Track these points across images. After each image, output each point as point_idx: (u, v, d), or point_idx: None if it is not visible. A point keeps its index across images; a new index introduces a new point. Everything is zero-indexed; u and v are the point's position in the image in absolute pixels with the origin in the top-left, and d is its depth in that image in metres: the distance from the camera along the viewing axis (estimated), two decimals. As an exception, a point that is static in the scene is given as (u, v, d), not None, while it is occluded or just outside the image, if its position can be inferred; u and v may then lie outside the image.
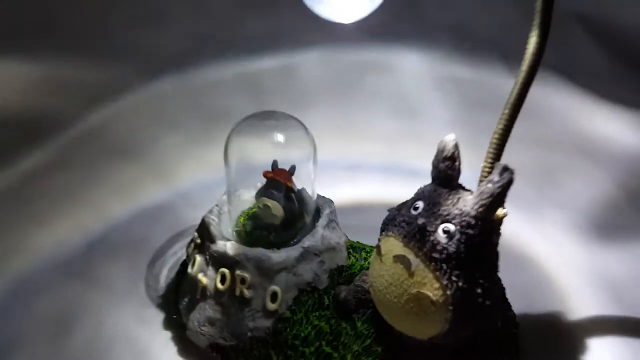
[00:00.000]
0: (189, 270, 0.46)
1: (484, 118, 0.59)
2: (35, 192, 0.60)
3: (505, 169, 0.34)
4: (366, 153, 0.66)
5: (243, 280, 0.43)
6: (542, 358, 0.44)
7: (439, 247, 0.35)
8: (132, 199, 0.59)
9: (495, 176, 0.34)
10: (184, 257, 0.51)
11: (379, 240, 0.40)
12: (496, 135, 0.36)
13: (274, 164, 0.45)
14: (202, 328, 0.45)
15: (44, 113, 0.69)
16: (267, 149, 0.45)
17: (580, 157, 0.63)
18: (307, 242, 0.44)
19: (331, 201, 0.48)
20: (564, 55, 0.73)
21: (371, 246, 0.48)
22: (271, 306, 0.42)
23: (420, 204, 0.37)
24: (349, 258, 0.46)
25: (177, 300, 0.48)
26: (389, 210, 0.42)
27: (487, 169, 0.37)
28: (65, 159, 0.64)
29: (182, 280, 0.48)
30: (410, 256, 0.36)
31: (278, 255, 0.43)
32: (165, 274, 0.54)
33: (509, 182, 0.34)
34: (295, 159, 0.45)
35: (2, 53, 0.73)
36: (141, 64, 0.75)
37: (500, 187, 0.34)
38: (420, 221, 0.35)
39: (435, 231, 0.35)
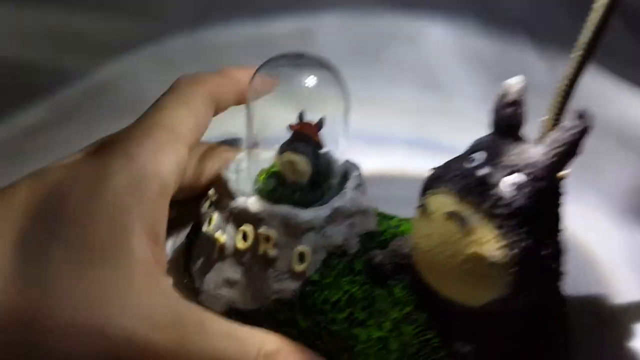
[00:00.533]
0: (204, 228, 0.42)
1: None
2: (39, 146, 0.55)
3: (582, 114, 0.30)
4: (389, 125, 0.63)
5: (267, 239, 0.39)
6: (587, 341, 0.41)
7: (502, 202, 0.31)
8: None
9: (569, 122, 0.30)
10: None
11: (423, 199, 0.36)
12: (565, 81, 0.32)
13: (301, 115, 0.41)
14: (219, 291, 0.40)
15: (51, 66, 0.64)
16: (294, 98, 0.41)
17: (615, 142, 0.60)
18: (337, 202, 0.40)
19: (357, 165, 0.43)
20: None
21: (400, 217, 0.44)
22: (298, 267, 0.38)
23: (477, 156, 0.33)
24: (380, 224, 0.42)
25: (188, 264, 0.44)
26: (433, 169, 0.38)
27: (552, 121, 0.33)
28: (72, 114, 0.59)
29: (195, 241, 0.44)
30: (467, 212, 0.32)
31: (306, 214, 0.39)
32: (173, 238, 0.50)
33: (586, 129, 0.30)
34: (325, 112, 0.41)
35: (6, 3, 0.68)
36: (150, 22, 0.71)
37: (576, 135, 0.30)
38: (482, 172, 0.31)
39: (498, 184, 0.31)
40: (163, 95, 0.41)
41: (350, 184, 0.42)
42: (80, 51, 0.66)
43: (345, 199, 0.40)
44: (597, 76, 0.69)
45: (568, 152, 0.31)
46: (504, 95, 0.33)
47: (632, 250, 0.50)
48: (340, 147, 0.41)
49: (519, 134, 0.33)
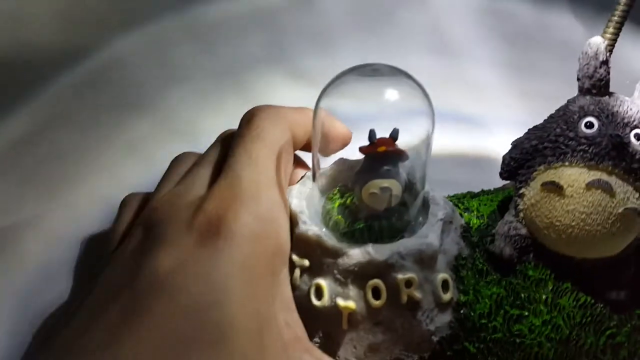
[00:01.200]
0: (315, 302, 0.35)
1: (528, 57, 0.56)
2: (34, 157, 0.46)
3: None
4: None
5: (409, 283, 0.34)
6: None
7: (637, 156, 0.33)
8: (148, 158, 0.47)
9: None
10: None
11: (529, 173, 0.36)
12: (615, 18, 0.35)
13: (372, 134, 0.36)
14: (364, 359, 0.35)
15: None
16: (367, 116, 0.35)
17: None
18: (440, 212, 0.37)
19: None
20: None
21: (455, 195, 0.43)
22: (445, 297, 0.35)
23: (592, 120, 0.34)
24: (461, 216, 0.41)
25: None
26: (516, 144, 0.38)
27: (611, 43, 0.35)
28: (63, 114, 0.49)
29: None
30: (604, 176, 0.33)
31: (432, 239, 0.35)
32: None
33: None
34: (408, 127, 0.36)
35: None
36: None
37: None
38: (615, 134, 0.32)
39: (629, 141, 0.33)
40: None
41: (428, 187, 0.39)
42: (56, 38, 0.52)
43: (440, 203, 0.38)
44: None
45: None
46: (595, 56, 0.34)
47: None
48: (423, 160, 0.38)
49: (608, 88, 0.35)
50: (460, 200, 0.43)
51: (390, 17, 0.64)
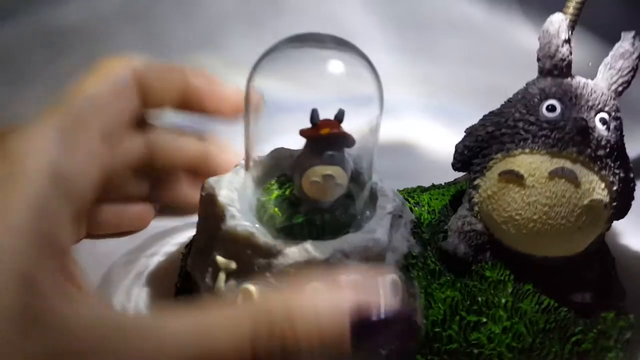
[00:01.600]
0: (243, 311, 0.29)
1: (426, 39, 0.53)
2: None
3: (636, 36, 0.30)
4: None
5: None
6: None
7: (603, 142, 0.30)
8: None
9: (627, 46, 0.30)
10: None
11: (486, 163, 0.32)
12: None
13: (314, 114, 0.31)
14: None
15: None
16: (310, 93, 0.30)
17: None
18: (389, 205, 0.33)
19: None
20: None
21: (400, 190, 0.39)
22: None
23: (554, 103, 0.30)
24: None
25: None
26: (470, 131, 0.34)
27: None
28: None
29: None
30: (567, 164, 0.30)
31: (380, 233, 0.31)
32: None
33: (641, 50, 0.31)
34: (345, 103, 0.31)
35: None
36: None
37: (636, 59, 0.30)
38: (579, 118, 0.29)
39: (594, 126, 0.30)
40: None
41: (375, 176, 0.35)
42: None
43: (390, 199, 0.33)
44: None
45: (632, 77, 0.31)
46: (556, 34, 0.30)
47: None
48: (371, 144, 0.33)
49: (570, 70, 0.32)
50: (410, 194, 0.39)
51: (278, 4, 0.60)
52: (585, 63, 0.34)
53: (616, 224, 0.47)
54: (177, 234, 0.41)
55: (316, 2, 0.60)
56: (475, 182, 0.34)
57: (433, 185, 0.42)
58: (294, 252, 0.29)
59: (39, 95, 0.48)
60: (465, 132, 0.35)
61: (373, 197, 0.34)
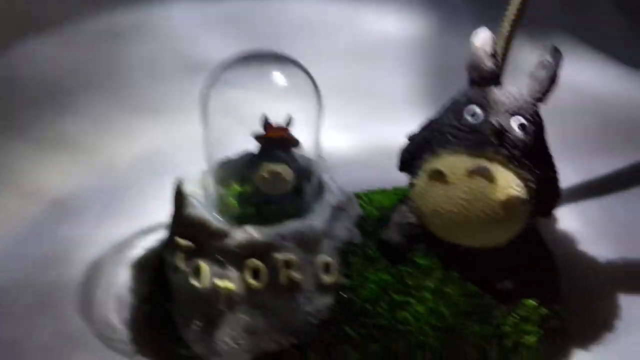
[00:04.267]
0: (194, 283, 0.33)
1: None
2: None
3: (556, 48, 0.33)
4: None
5: (288, 264, 0.33)
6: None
7: (518, 143, 0.32)
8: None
9: (548, 58, 0.33)
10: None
11: (420, 167, 0.35)
12: (506, 23, 0.35)
13: (265, 119, 0.35)
14: (240, 344, 0.33)
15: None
16: (256, 103, 0.35)
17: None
18: (332, 199, 0.36)
19: (320, 157, 0.40)
20: (586, 22, 0.70)
21: (359, 192, 0.42)
22: (327, 279, 0.34)
23: (476, 109, 0.33)
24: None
25: (174, 333, 0.35)
26: (411, 137, 0.37)
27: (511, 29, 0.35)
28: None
29: (176, 303, 0.35)
30: (485, 163, 0.33)
31: (318, 222, 0.34)
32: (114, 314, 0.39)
33: (560, 62, 0.33)
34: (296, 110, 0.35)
35: None
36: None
37: (556, 68, 0.33)
38: (496, 122, 0.32)
39: (510, 128, 0.33)
40: None
41: (326, 176, 0.38)
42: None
43: (336, 192, 0.37)
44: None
45: (551, 85, 0.33)
46: (483, 49, 0.33)
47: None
48: (314, 145, 0.37)
49: (495, 80, 0.35)
50: (365, 195, 0.43)
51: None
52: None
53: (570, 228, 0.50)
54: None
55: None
56: (412, 181, 0.37)
57: (394, 188, 0.46)
58: (238, 234, 0.33)
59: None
60: (407, 138, 0.38)
61: (321, 193, 0.38)
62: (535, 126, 0.33)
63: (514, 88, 0.35)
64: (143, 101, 0.54)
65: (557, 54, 0.33)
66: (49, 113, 0.53)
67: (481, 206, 0.33)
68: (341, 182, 0.40)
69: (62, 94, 0.55)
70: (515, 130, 0.32)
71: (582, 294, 0.43)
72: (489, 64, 0.33)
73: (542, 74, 0.33)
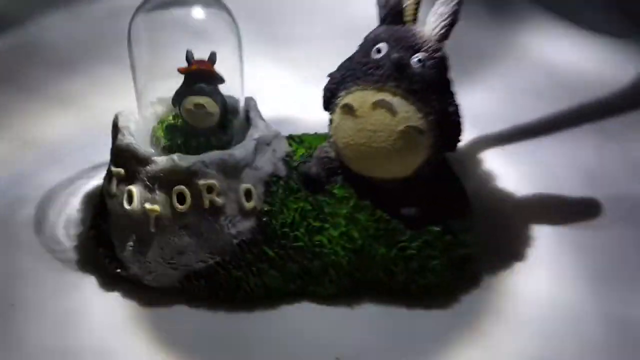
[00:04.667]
0: (127, 207, 0.37)
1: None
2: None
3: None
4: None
5: (210, 189, 0.36)
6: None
7: (416, 78, 0.35)
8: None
9: (448, -1, 0.36)
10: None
11: (336, 104, 0.38)
12: None
13: (189, 54, 0.37)
14: (171, 262, 0.37)
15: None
16: (178, 38, 0.37)
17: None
18: (256, 133, 0.39)
19: (250, 96, 0.43)
20: None
21: (293, 134, 0.45)
22: (248, 205, 0.37)
23: (382, 46, 0.36)
24: (290, 145, 0.43)
25: (109, 254, 0.39)
26: (330, 75, 0.40)
27: (413, 4, 0.37)
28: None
29: (111, 227, 0.38)
30: (388, 97, 0.36)
31: (239, 152, 0.37)
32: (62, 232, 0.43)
33: (460, 2, 0.36)
34: (215, 48, 0.38)
35: None
36: None
37: (456, 5, 0.35)
38: (396, 57, 0.35)
39: (409, 63, 0.35)
40: None
41: (255, 115, 0.41)
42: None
43: (261, 128, 0.40)
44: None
45: (452, 22, 0.36)
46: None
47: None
48: (235, 81, 0.40)
49: (403, 19, 0.37)
50: (298, 136, 0.46)
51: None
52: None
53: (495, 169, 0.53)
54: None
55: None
56: (331, 118, 0.40)
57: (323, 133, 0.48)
58: (162, 161, 0.36)
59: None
60: (327, 76, 0.41)
61: (247, 129, 0.40)
62: (437, 62, 0.36)
63: (418, 27, 0.37)
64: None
65: (455, -6, 0.36)
66: (55, 75, 0.61)
67: (384, 137, 0.36)
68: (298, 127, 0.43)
69: (70, 60, 0.64)
70: (413, 65, 0.35)
71: (495, 228, 0.47)
72: (392, 2, 0.36)
73: (442, 9, 0.36)
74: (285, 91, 0.60)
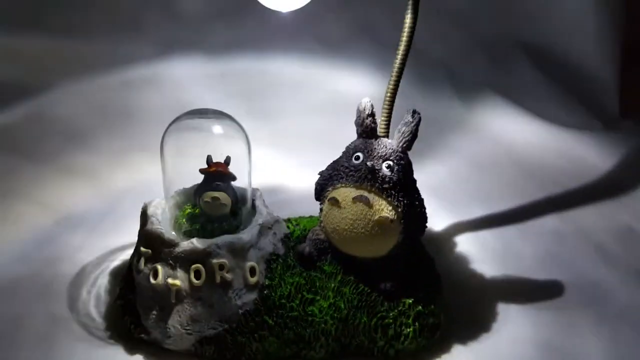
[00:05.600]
0: (152, 281, 0.44)
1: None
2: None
3: (415, 111, 0.45)
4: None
5: (222, 267, 0.44)
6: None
7: (387, 179, 0.44)
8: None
9: (409, 118, 0.45)
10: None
11: (325, 196, 0.47)
12: (388, 94, 0.47)
13: (209, 158, 0.47)
14: (187, 329, 0.44)
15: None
16: (201, 146, 0.47)
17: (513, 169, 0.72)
18: (259, 220, 0.48)
19: (257, 189, 0.52)
20: (509, 80, 0.82)
21: (292, 217, 0.54)
22: (252, 280, 0.45)
23: (359, 155, 0.46)
24: (288, 227, 0.52)
25: (135, 321, 0.46)
26: (320, 173, 0.49)
27: (384, 121, 0.46)
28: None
29: (139, 297, 0.45)
30: (365, 194, 0.45)
31: (245, 236, 0.45)
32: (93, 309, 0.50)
33: (420, 120, 0.46)
34: (229, 153, 0.46)
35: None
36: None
37: (415, 125, 0.45)
38: (370, 164, 0.44)
39: (380, 169, 0.45)
40: None
41: (260, 202, 0.50)
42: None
43: (264, 215, 0.49)
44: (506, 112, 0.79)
45: (413, 137, 0.45)
46: (363, 111, 0.46)
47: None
48: (245, 176, 0.48)
49: (377, 133, 0.47)
50: (295, 219, 0.54)
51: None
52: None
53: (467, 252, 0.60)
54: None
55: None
56: (321, 207, 0.49)
57: (314, 216, 0.56)
58: (184, 244, 0.44)
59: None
60: (318, 174, 0.50)
61: (253, 215, 0.49)
62: (402, 167, 0.45)
63: (387, 140, 0.47)
64: (146, 141, 0.67)
65: (415, 115, 0.46)
66: (70, 145, 0.69)
67: (363, 224, 0.44)
68: (292, 210, 0.51)
69: (83, 131, 0.71)
70: (384, 170, 0.45)
71: (465, 302, 0.53)
72: (368, 122, 0.46)
73: (404, 129, 0.46)
74: (271, 161, 0.68)
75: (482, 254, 0.60)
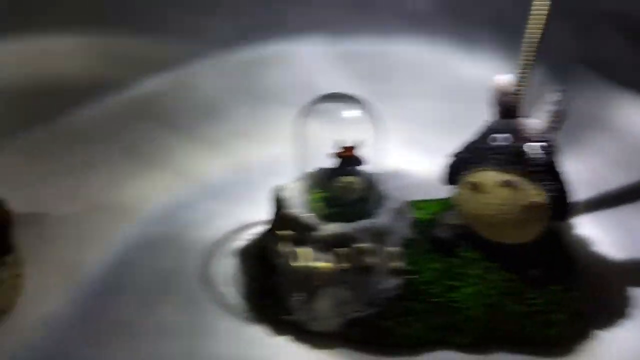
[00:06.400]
0: (296, 264, 0.44)
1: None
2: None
3: (564, 90, 0.43)
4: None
5: (366, 252, 0.43)
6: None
7: (535, 163, 0.42)
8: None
9: (557, 97, 0.43)
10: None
11: (461, 180, 0.45)
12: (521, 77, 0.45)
13: (341, 143, 0.45)
14: (335, 311, 0.43)
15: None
16: (335, 130, 0.46)
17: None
18: (394, 204, 0.46)
19: (382, 172, 0.50)
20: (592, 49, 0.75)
21: (413, 200, 0.52)
22: (395, 265, 0.44)
23: (499, 137, 0.43)
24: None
25: (279, 302, 0.45)
26: (454, 155, 0.47)
27: (525, 74, 0.44)
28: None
29: (280, 280, 0.45)
30: (514, 177, 0.43)
31: (384, 220, 0.45)
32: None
33: (569, 100, 0.43)
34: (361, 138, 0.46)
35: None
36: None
37: (563, 105, 0.42)
38: (516, 147, 0.42)
39: (527, 152, 0.43)
40: None
41: (388, 187, 0.49)
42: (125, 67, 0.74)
43: (397, 200, 0.48)
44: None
45: (561, 119, 0.42)
46: (501, 89, 0.44)
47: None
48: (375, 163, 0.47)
49: (517, 113, 0.45)
50: (417, 203, 0.52)
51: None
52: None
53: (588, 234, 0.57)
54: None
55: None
56: (456, 191, 0.47)
57: (440, 198, 0.55)
58: (326, 228, 0.43)
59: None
60: (450, 156, 0.48)
61: (384, 199, 0.47)
62: (549, 149, 0.42)
63: (529, 120, 0.44)
64: (272, 119, 0.70)
65: (564, 95, 0.43)
66: (206, 118, 0.71)
67: (511, 210, 0.42)
68: (414, 194, 0.50)
69: (218, 105, 0.72)
70: (535, 153, 0.42)
71: (595, 287, 0.51)
72: (508, 100, 0.44)
73: (555, 109, 0.43)
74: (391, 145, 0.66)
75: (601, 235, 0.57)
